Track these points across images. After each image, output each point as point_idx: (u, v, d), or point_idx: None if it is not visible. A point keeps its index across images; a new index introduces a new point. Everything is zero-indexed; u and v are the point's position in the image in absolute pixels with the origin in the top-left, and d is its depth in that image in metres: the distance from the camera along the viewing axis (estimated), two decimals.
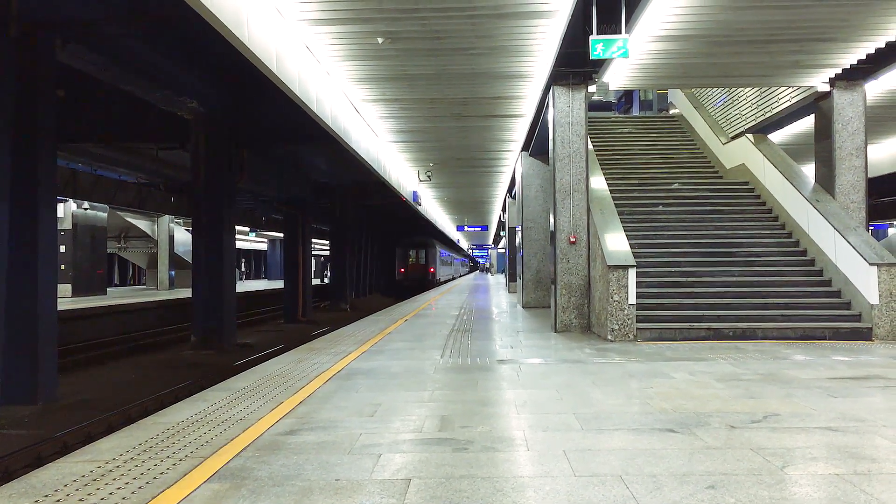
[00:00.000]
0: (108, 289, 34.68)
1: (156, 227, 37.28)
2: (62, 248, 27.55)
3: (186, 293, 25.24)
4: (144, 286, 43.00)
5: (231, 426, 5.52)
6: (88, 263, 30.08)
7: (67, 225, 28.84)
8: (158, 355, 18.04)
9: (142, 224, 36.08)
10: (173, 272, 38.10)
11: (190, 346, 17.73)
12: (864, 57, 11.84)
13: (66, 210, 28.76)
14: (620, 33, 10.29)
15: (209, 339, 17.39)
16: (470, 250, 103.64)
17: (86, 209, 29.75)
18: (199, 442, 5.04)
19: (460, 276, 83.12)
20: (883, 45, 11.27)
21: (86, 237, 29.95)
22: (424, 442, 5.07)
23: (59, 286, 14.59)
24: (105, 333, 20.80)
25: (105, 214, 31.30)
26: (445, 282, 58.61)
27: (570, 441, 5.04)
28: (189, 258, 26.67)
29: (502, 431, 5.36)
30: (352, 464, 4.53)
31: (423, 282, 50.22)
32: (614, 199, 13.76)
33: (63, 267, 27.53)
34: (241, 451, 4.82)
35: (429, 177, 24.82)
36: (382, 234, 52.72)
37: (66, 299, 26.24)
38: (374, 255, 47.41)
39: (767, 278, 12.60)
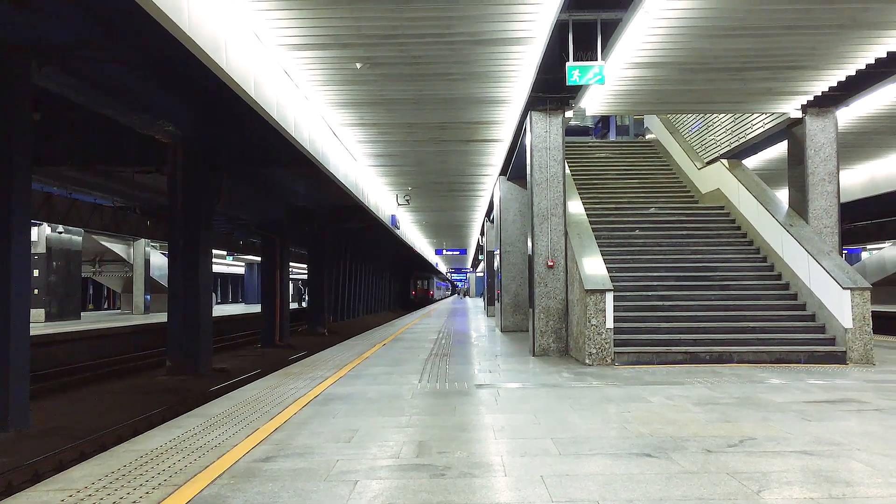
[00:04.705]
0: (83, 313, 34.23)
1: (131, 250, 36.93)
2: (35, 272, 27.21)
3: (162, 317, 24.98)
4: (119, 310, 42.48)
5: (206, 453, 5.45)
6: (62, 288, 29.71)
7: (41, 248, 28.49)
8: (133, 381, 17.80)
9: (117, 248, 35.73)
10: (149, 296, 37.71)
11: (165, 371, 17.51)
12: (836, 84, 12.05)
13: (41, 233, 28.43)
14: (596, 60, 10.43)
15: (184, 364, 17.18)
16: (448, 274, 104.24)
17: (60, 233, 29.43)
18: (173, 469, 4.97)
19: (444, 298, 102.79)
20: (853, 73, 11.49)
21: (60, 261, 29.60)
22: (402, 468, 5.03)
23: (32, 311, 14.39)
24: (79, 358, 20.51)
25: (80, 238, 30.97)
26: (439, 299, 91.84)
27: (548, 466, 5.03)
28: (165, 282, 26.43)
29: (480, 457, 5.34)
30: (328, 491, 4.49)
31: (426, 300, 78.85)
32: (591, 223, 13.84)
33: (36, 291, 27.17)
34: (216, 478, 4.76)
35: (407, 200, 24.87)
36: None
37: (39, 324, 25.87)
38: (357, 279, 47.45)
39: (743, 302, 12.70)
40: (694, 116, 18.70)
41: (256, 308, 35.90)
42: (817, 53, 10.60)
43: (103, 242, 34.27)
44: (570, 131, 20.59)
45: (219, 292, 72.92)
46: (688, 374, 9.85)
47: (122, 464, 5.14)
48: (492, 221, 27.63)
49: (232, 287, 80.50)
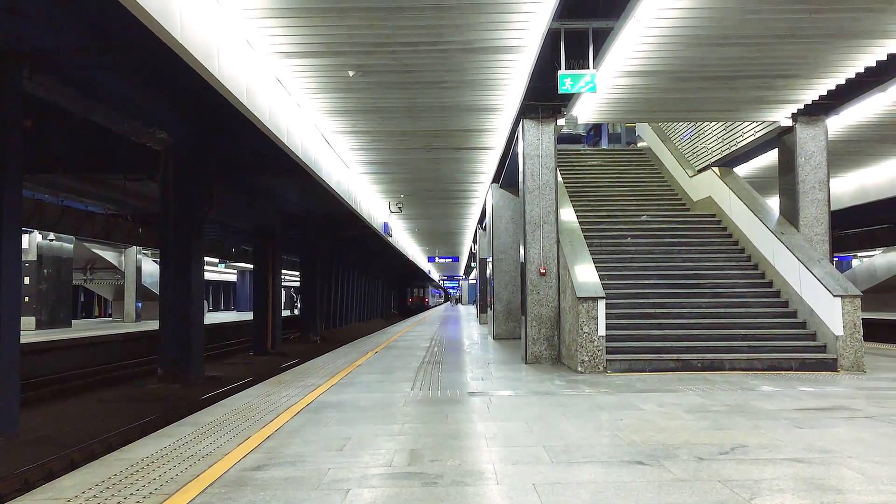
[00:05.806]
0: (74, 321, 34.07)
1: (123, 258, 36.79)
2: (26, 280, 27.08)
3: (153, 325, 24.89)
4: (111, 318, 42.30)
5: (197, 462, 5.42)
6: (53, 295, 29.58)
7: (32, 256, 28.35)
8: (124, 389, 17.72)
9: (108, 255, 35.59)
10: (140, 304, 37.56)
11: (156, 379, 17.43)
12: (826, 93, 12.12)
13: (31, 241, 28.31)
14: (588, 68, 10.46)
15: (176, 372, 17.12)
16: (441, 281, 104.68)
17: (51, 240, 29.31)
18: (163, 479, 4.95)
19: (437, 305, 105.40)
20: (843, 82, 11.55)
21: (51, 269, 29.47)
22: (394, 476, 5.02)
23: (23, 318, 14.36)
24: (69, 367, 20.40)
25: (71, 245, 30.84)
26: (433, 306, 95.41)
27: (540, 474, 5.03)
28: (156, 290, 26.31)
29: (472, 465, 5.33)
30: (320, 499, 4.47)
31: (422, 306, 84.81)
32: (583, 230, 13.87)
33: (27, 299, 27.04)
34: (207, 487, 4.74)
35: (400, 208, 24.87)
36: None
37: (30, 332, 25.74)
38: (350, 286, 47.43)
39: (734, 310, 12.72)
40: (685, 124, 18.76)
41: (248, 316, 35.79)
42: (807, 62, 10.67)
43: (95, 250, 34.13)
44: (562, 139, 20.60)
45: (210, 300, 72.71)
46: (679, 382, 9.85)
47: (112, 473, 5.12)
48: (484, 229, 27.66)
49: (224, 294, 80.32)
